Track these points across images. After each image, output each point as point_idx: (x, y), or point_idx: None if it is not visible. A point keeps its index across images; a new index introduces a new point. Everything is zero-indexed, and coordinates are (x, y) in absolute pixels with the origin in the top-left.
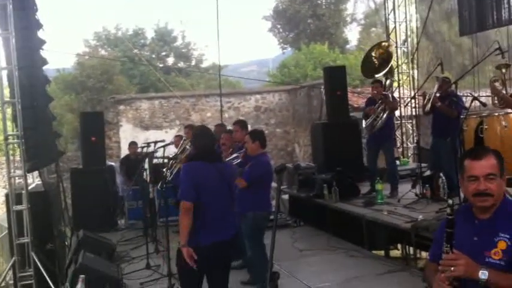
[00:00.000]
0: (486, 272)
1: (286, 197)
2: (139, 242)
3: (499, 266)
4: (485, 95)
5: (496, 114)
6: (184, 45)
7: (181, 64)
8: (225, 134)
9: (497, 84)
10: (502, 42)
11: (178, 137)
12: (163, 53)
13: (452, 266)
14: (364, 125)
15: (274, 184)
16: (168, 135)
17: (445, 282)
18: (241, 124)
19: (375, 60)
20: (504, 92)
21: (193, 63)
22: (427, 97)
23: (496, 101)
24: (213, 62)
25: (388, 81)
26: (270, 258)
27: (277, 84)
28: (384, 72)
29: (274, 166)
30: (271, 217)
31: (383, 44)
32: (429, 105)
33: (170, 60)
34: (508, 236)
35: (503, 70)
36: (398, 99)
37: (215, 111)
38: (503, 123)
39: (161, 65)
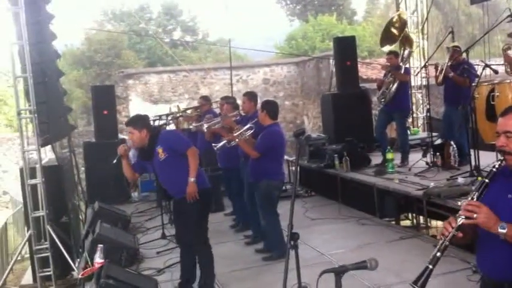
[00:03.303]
0: (505, 226)
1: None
2: (153, 213)
3: None
4: (495, 64)
5: (508, 81)
6: (190, 19)
7: (188, 38)
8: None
9: (510, 52)
10: None
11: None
12: (170, 27)
13: (474, 213)
14: (377, 96)
15: (285, 157)
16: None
17: (453, 223)
18: (249, 96)
19: (393, 30)
20: None
21: (199, 36)
22: (439, 68)
23: (509, 69)
24: (220, 35)
25: (406, 52)
26: (290, 218)
27: (285, 57)
28: (395, 43)
29: (288, 136)
30: (284, 187)
31: (398, 15)
32: (441, 76)
33: (177, 34)
34: None
35: None
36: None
37: (223, 84)
38: None
39: (168, 39)
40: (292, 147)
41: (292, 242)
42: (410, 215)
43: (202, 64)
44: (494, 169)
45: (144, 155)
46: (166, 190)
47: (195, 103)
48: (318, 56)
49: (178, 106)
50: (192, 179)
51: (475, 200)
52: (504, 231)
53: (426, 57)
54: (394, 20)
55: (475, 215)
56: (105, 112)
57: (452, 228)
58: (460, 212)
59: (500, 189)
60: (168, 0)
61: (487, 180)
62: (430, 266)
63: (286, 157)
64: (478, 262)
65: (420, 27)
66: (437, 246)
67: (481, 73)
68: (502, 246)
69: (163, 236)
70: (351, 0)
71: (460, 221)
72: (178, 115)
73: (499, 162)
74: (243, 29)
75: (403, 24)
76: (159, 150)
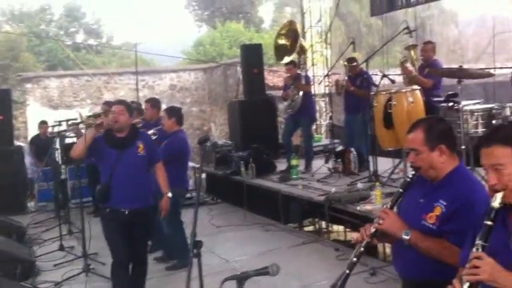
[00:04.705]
0: (409, 232)
1: (203, 175)
2: (50, 224)
3: (431, 230)
4: (393, 74)
5: (404, 90)
6: (94, 21)
7: (91, 41)
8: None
9: (408, 64)
10: (410, 22)
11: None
12: (72, 29)
13: (381, 219)
14: (284, 108)
15: (191, 163)
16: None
17: (368, 230)
18: (152, 102)
19: (285, 42)
20: (414, 71)
21: (104, 40)
22: (339, 84)
23: (407, 80)
24: (126, 39)
25: (301, 58)
26: (193, 226)
27: (192, 63)
28: (294, 53)
29: (195, 142)
30: (188, 195)
31: (285, 25)
32: (343, 91)
33: (79, 37)
34: (444, 203)
35: (412, 51)
36: (312, 77)
37: (128, 89)
38: (410, 99)
39: (70, 42)
40: (198, 154)
41: (195, 250)
42: (314, 220)
43: (106, 68)
44: (408, 179)
45: (115, 141)
46: (109, 193)
47: (98, 109)
48: (225, 63)
49: (80, 113)
50: (170, 194)
51: (388, 207)
52: (407, 237)
53: (329, 66)
54: (280, 29)
55: (380, 221)
56: (1, 117)
57: (367, 235)
58: (375, 220)
59: (416, 194)
60: (70, 2)
61: (401, 190)
62: (347, 271)
63: (192, 164)
64: (393, 263)
65: (324, 37)
66: (354, 252)
67: (380, 82)
68: (412, 248)
69: (61, 248)
70: (259, 8)
71: (373, 229)
72: (79, 121)
73: (413, 172)
74: (149, 33)
75: (294, 32)
76: (140, 145)
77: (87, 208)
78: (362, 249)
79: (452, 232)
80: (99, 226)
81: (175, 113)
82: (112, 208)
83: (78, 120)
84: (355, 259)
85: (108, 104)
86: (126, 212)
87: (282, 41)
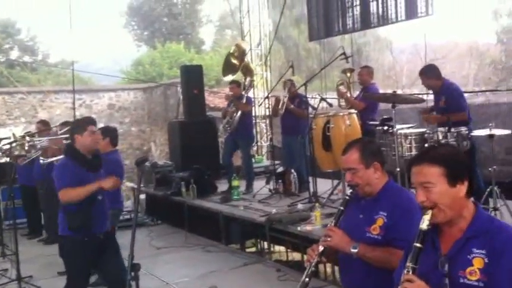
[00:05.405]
0: (356, 246)
1: (143, 196)
2: None
3: (376, 241)
4: (331, 97)
5: (341, 114)
6: (30, 38)
7: (26, 58)
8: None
9: (342, 87)
10: (347, 48)
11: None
12: (6, 46)
13: (329, 237)
14: (222, 125)
15: (130, 184)
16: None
17: (315, 251)
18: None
19: (236, 63)
20: (348, 94)
21: (39, 57)
22: (281, 102)
23: (342, 103)
24: (62, 57)
25: (247, 81)
26: (131, 248)
27: (132, 82)
28: (237, 72)
29: (133, 162)
30: (128, 216)
31: (234, 49)
32: (283, 108)
33: (14, 54)
34: (385, 214)
35: (348, 74)
36: (252, 99)
37: (65, 108)
38: (347, 122)
39: (3, 59)
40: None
41: (132, 273)
42: (255, 241)
43: (42, 86)
44: (347, 197)
45: (90, 163)
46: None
47: (33, 128)
48: (165, 83)
49: (13, 132)
50: None
51: (332, 225)
52: (355, 250)
53: (269, 89)
54: (232, 50)
55: (328, 239)
56: None
57: (316, 255)
58: (321, 238)
59: (354, 211)
60: (4, 18)
61: (342, 208)
62: None
63: (132, 185)
64: (341, 279)
65: (264, 60)
66: (305, 272)
67: (318, 105)
68: (358, 263)
69: None
70: (199, 30)
71: (321, 247)
72: (12, 141)
73: (351, 190)
74: (87, 51)
75: (242, 53)
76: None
77: (21, 230)
78: (313, 268)
79: (395, 239)
80: (34, 249)
81: (109, 133)
82: (91, 235)
83: (11, 140)
84: (307, 279)
85: (43, 123)
86: (102, 237)
87: (234, 61)
